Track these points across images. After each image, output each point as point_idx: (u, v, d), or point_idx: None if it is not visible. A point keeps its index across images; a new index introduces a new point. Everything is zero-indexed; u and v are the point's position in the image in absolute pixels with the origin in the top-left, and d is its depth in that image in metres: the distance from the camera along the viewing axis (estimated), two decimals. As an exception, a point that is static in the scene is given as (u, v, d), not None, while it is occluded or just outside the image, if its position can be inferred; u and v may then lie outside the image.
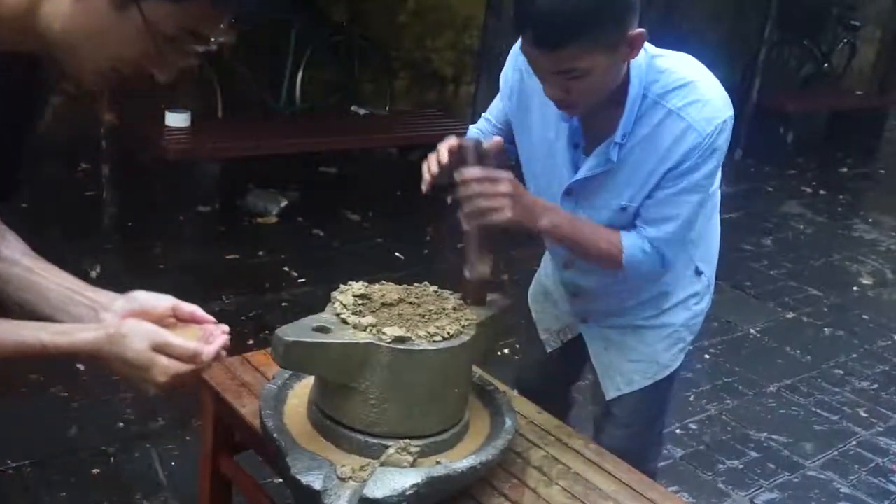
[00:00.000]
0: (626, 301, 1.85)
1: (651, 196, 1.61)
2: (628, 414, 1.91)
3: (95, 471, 2.50)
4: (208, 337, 1.20)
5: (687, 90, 1.55)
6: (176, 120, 4.35)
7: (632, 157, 1.59)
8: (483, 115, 1.88)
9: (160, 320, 1.19)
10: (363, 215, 4.80)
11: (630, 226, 1.65)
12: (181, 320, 1.23)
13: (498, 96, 1.81)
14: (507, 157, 1.76)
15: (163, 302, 1.22)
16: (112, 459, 2.56)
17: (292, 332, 1.41)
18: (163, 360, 1.11)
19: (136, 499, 2.42)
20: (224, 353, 1.21)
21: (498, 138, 1.55)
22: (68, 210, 4.23)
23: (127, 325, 1.13)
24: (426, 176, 1.56)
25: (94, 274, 3.67)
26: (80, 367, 3.00)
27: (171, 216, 4.48)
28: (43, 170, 4.60)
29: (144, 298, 1.21)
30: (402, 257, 4.35)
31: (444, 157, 1.52)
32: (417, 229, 4.65)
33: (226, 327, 1.22)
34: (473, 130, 1.87)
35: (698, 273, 1.87)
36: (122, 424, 2.74)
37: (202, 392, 1.78)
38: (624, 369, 1.89)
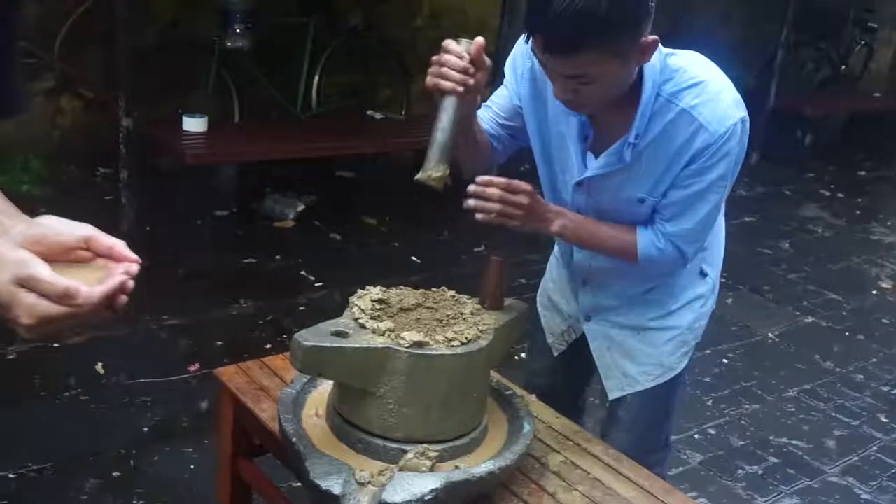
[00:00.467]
0: (636, 286, 1.84)
1: (667, 195, 1.63)
2: (633, 417, 1.91)
3: (116, 474, 2.52)
4: (107, 278, 0.96)
5: (699, 89, 1.56)
6: (193, 125, 4.38)
7: (645, 156, 1.60)
8: (485, 103, 1.81)
9: (66, 252, 0.98)
10: (380, 219, 4.81)
11: (649, 218, 1.67)
12: (100, 255, 1.00)
13: (503, 85, 1.78)
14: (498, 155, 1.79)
15: (75, 230, 1.00)
16: (132, 462, 2.58)
17: (311, 336, 1.41)
18: (28, 298, 0.90)
19: (156, 502, 2.43)
20: (124, 298, 0.96)
21: (480, 40, 1.49)
22: (87, 214, 4.24)
23: None
24: (447, 84, 1.47)
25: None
26: (101, 370, 3.02)
27: (189, 220, 4.51)
28: (62, 173, 4.65)
29: (52, 224, 1.00)
30: (420, 261, 4.36)
31: (458, 63, 1.46)
32: (435, 233, 4.66)
33: (132, 268, 0.98)
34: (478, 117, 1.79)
35: (703, 274, 1.87)
36: (141, 428, 2.76)
37: (221, 396, 1.79)
38: (628, 371, 1.89)
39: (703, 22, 6.94)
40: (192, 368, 3.11)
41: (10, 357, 3.04)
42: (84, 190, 4.60)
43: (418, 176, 1.50)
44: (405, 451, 1.43)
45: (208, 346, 3.28)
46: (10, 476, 2.44)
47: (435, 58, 1.50)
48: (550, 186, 1.80)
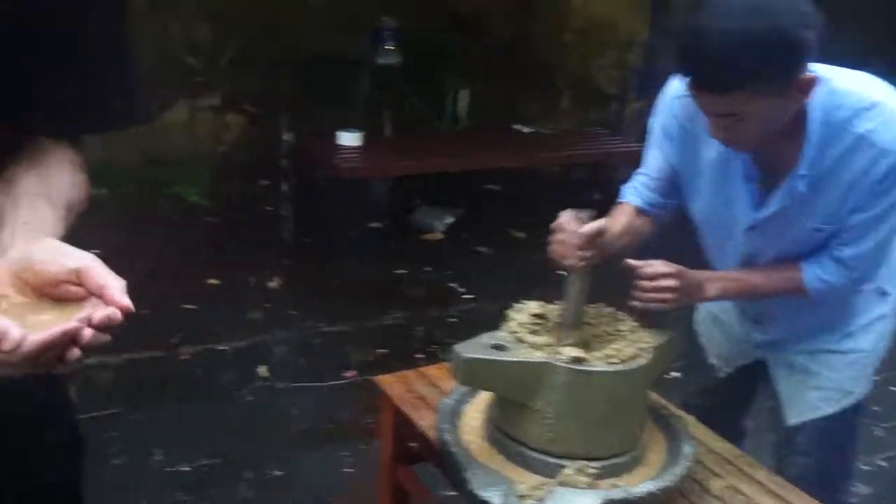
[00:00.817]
0: (809, 320, 1.78)
1: (847, 219, 1.55)
2: (811, 441, 1.83)
3: (278, 473, 2.65)
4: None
5: (874, 112, 1.48)
6: (348, 139, 4.54)
7: (821, 186, 1.54)
8: (638, 173, 1.81)
9: (54, 285, 0.87)
10: (528, 233, 4.82)
11: (821, 247, 1.61)
12: (92, 293, 0.86)
13: (654, 148, 1.76)
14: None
15: (68, 261, 0.87)
16: (291, 463, 2.70)
17: (470, 349, 1.45)
18: None
19: (316, 502, 2.54)
20: (76, 352, 0.82)
21: (594, 226, 1.54)
22: (249, 224, 4.52)
23: None
24: (567, 261, 1.55)
25: (272, 285, 3.90)
26: (265, 373, 3.20)
27: (344, 232, 4.69)
28: (226, 186, 4.96)
29: (46, 250, 0.89)
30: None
31: (573, 241, 1.53)
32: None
33: (97, 314, 0.83)
34: (630, 194, 1.81)
35: (883, 294, 1.78)
36: (302, 430, 2.89)
37: (381, 403, 1.85)
38: (808, 396, 1.82)
39: (864, 38, 6.53)
40: (348, 374, 3.23)
41: (183, 358, 3.26)
42: (246, 202, 4.87)
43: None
44: (563, 466, 1.43)
45: (362, 353, 3.40)
46: (186, 469, 2.63)
47: (553, 233, 1.57)
48: (717, 237, 1.77)
